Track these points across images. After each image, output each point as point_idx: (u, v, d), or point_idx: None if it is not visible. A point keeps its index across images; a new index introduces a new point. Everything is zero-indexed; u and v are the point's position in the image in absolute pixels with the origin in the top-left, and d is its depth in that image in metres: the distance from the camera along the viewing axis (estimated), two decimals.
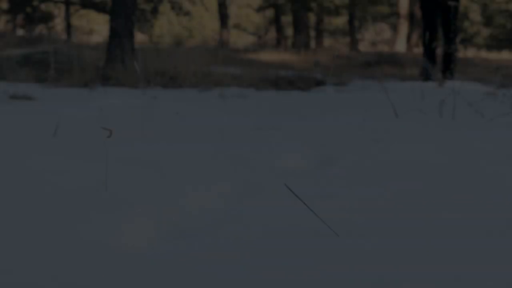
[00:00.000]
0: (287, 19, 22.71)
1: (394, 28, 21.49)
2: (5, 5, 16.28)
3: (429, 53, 6.97)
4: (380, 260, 0.89)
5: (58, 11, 20.34)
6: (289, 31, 24.08)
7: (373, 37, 26.07)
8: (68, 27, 15.78)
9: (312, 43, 20.62)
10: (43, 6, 17.44)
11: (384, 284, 0.81)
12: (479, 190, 1.39)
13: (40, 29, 17.27)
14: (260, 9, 20.25)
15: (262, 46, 20.31)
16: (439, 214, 1.19)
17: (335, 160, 1.82)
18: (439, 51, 7.20)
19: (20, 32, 17.79)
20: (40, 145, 1.96)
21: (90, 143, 1.97)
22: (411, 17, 21.30)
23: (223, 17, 19.66)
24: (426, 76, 6.88)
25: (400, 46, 19.53)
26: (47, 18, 17.76)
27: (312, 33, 21.90)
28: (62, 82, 5.23)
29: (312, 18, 21.27)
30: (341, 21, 25.17)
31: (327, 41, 25.42)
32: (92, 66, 5.92)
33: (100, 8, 14.84)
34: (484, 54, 17.42)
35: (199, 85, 5.59)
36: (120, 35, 6.20)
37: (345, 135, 2.38)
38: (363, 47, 23.56)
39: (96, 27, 25.87)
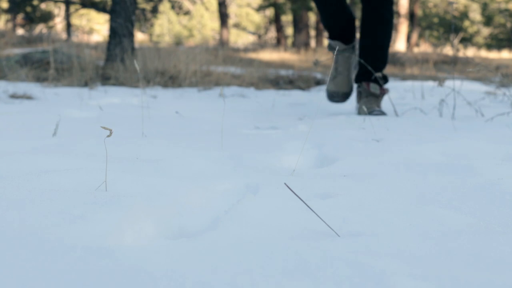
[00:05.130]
0: (287, 18, 22.73)
1: (394, 27, 21.55)
2: (5, 5, 16.30)
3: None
4: (381, 260, 0.89)
5: (58, 11, 20.36)
6: (289, 30, 24.09)
7: None
8: (68, 26, 15.80)
9: (312, 42, 20.63)
10: (43, 6, 17.46)
11: (384, 284, 0.81)
12: (479, 190, 1.39)
13: (40, 28, 17.29)
14: (260, 8, 20.26)
15: (262, 45, 20.34)
16: (439, 213, 1.19)
17: (335, 160, 1.82)
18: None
19: (20, 31, 17.80)
20: (40, 144, 1.96)
21: (90, 143, 1.97)
22: (411, 16, 21.26)
23: (223, 16, 19.67)
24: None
25: (400, 45, 19.55)
26: (47, 17, 17.79)
27: (312, 32, 21.91)
28: (62, 82, 5.23)
29: (312, 17, 21.28)
30: None
31: (327, 41, 25.44)
32: (92, 66, 5.92)
33: (100, 8, 14.85)
34: (484, 53, 17.44)
35: (199, 85, 5.59)
36: (120, 35, 6.20)
37: (345, 135, 2.38)
38: None
39: (96, 26, 25.89)
